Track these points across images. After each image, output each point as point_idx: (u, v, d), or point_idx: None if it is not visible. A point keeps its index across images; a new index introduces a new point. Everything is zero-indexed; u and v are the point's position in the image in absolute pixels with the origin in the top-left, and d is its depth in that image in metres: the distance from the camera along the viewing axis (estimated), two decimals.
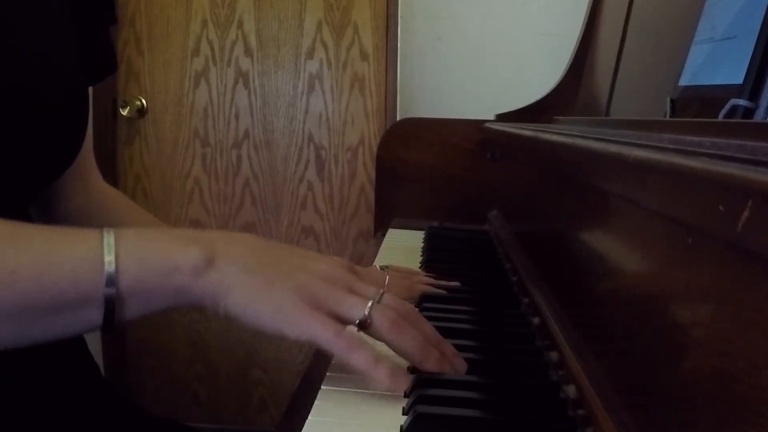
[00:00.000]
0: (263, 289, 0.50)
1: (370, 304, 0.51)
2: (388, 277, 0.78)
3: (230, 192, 2.08)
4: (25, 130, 0.60)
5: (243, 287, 0.50)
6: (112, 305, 0.48)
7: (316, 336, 0.49)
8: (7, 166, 0.60)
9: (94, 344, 1.73)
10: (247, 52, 2.03)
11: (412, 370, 0.54)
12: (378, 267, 0.81)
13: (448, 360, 0.54)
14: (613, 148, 0.44)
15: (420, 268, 0.92)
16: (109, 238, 0.48)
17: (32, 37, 0.61)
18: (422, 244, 1.10)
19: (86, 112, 0.69)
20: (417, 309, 0.59)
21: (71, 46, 0.67)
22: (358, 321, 0.51)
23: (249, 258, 0.51)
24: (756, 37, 0.53)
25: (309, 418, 0.49)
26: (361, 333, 0.52)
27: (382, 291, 0.54)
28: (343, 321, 0.51)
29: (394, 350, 0.52)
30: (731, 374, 0.30)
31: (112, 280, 0.47)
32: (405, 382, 0.50)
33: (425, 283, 0.81)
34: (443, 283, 0.82)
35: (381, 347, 0.52)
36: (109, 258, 0.48)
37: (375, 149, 1.66)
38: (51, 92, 0.63)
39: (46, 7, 0.63)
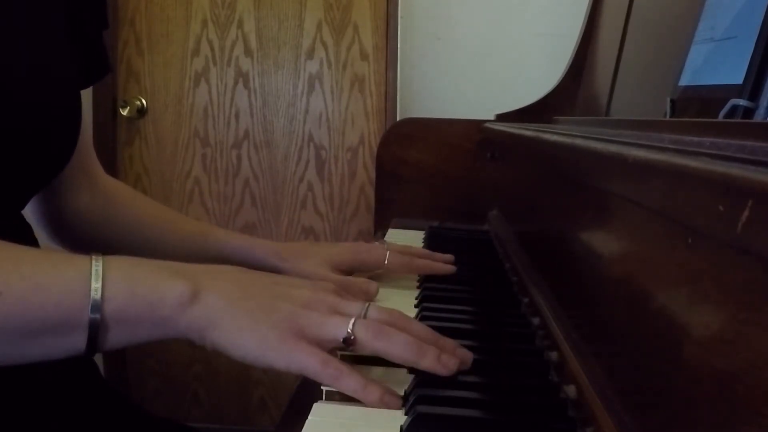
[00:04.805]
0: (247, 324, 0.50)
1: (352, 321, 0.51)
2: (388, 253, 0.80)
3: (230, 192, 2.08)
4: (18, 133, 0.61)
5: (227, 322, 0.50)
6: (95, 331, 0.48)
7: (303, 367, 0.50)
8: (0, 168, 0.60)
9: None
10: (247, 52, 2.03)
11: (411, 371, 0.54)
12: (380, 243, 0.84)
13: (450, 353, 0.53)
14: (613, 148, 0.44)
15: None
16: (97, 264, 0.49)
17: (27, 41, 0.62)
18: (422, 244, 1.10)
19: (79, 115, 0.69)
20: (417, 307, 0.59)
21: (65, 50, 0.67)
22: (342, 339, 0.51)
23: (233, 292, 0.52)
24: (756, 37, 0.53)
25: (309, 418, 0.49)
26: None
27: (367, 305, 0.54)
28: (328, 343, 0.51)
29: (388, 359, 0.52)
30: (731, 374, 0.30)
31: (97, 307, 0.48)
32: (397, 402, 0.50)
33: (424, 258, 0.84)
34: (440, 265, 0.84)
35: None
36: (96, 285, 0.48)
37: (375, 149, 1.66)
38: (44, 95, 0.64)
39: (40, 12, 0.64)
